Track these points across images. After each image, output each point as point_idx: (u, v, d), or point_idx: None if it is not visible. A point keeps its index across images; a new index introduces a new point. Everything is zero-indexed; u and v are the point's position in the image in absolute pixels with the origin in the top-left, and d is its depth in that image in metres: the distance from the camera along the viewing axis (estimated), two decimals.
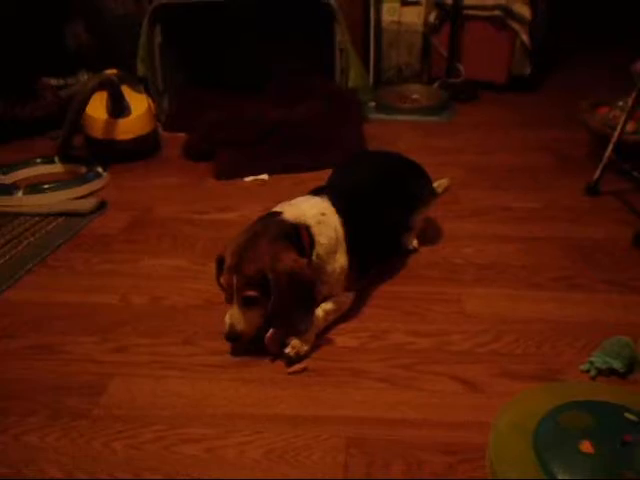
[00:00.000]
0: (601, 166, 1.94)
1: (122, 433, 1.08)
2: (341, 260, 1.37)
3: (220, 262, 1.28)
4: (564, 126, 2.54)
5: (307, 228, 1.31)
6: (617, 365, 1.17)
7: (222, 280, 1.26)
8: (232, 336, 1.25)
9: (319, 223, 1.34)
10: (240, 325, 1.24)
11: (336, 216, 1.37)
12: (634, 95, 1.84)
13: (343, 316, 1.38)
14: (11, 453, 1.04)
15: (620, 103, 2.10)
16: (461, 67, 3.13)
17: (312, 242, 1.31)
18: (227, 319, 1.25)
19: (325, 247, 1.33)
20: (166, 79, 2.72)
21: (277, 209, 1.36)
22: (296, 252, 1.25)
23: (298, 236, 1.29)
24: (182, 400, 1.15)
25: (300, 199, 1.42)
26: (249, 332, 1.26)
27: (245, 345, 1.27)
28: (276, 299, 1.20)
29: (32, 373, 1.23)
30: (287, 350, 1.24)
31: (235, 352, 1.27)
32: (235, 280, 1.21)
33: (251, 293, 1.21)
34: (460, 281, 1.52)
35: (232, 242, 1.26)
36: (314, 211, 1.35)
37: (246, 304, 1.23)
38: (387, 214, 1.53)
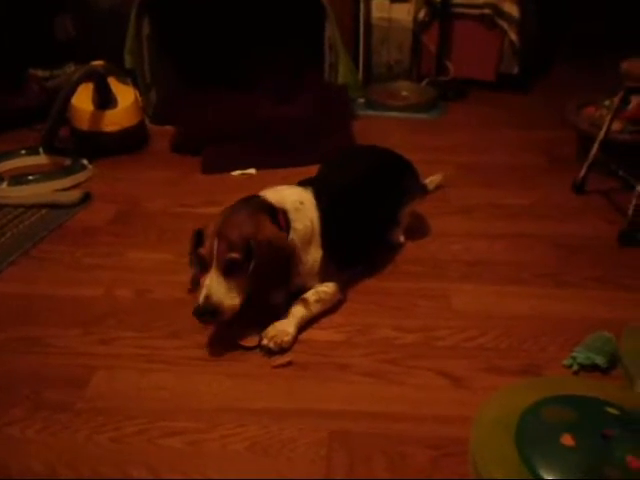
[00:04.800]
0: (586, 165, 1.95)
1: (105, 426, 1.07)
2: (315, 254, 1.37)
3: (198, 235, 1.26)
4: (553, 126, 2.55)
5: (284, 212, 1.32)
6: (599, 360, 1.19)
7: (202, 250, 1.22)
8: (208, 308, 1.17)
9: (296, 210, 1.35)
10: (218, 294, 1.17)
11: (314, 209, 1.38)
12: (621, 94, 1.86)
13: (328, 311, 1.38)
14: None
15: (607, 102, 2.12)
16: (450, 65, 3.13)
17: (288, 227, 1.32)
18: (202, 292, 1.18)
19: (300, 234, 1.33)
20: (154, 72, 2.70)
21: (259, 193, 1.37)
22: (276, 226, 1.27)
23: (276, 218, 1.30)
24: (166, 393, 1.15)
25: (282, 186, 1.43)
26: (227, 306, 1.19)
27: (223, 325, 1.24)
28: (257, 266, 1.20)
29: (14, 365, 1.22)
30: (264, 342, 1.24)
31: (221, 346, 1.26)
32: (217, 244, 1.19)
33: (235, 255, 1.19)
34: (447, 277, 1.52)
35: (214, 218, 1.26)
36: (293, 198, 1.37)
37: (227, 270, 1.19)
38: (373, 208, 1.54)
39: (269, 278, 1.24)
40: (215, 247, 1.19)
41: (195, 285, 1.28)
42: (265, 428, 1.07)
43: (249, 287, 1.22)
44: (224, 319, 1.21)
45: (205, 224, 1.26)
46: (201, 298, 1.18)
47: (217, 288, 1.19)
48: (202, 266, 1.24)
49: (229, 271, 1.20)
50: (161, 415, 1.09)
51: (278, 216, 1.31)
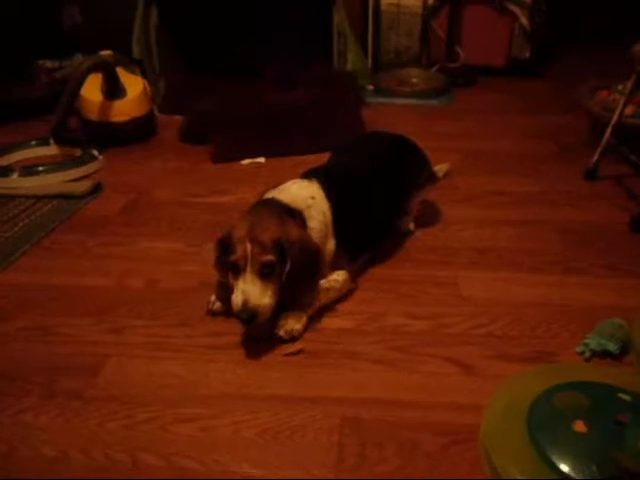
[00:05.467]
0: (599, 150, 1.92)
1: (117, 413, 1.08)
2: (330, 244, 1.37)
3: (222, 245, 1.24)
4: (564, 112, 2.52)
5: (299, 213, 1.31)
6: (611, 347, 1.18)
7: (234, 256, 1.19)
8: (248, 313, 1.15)
9: (309, 207, 1.34)
10: (255, 298, 1.16)
11: (325, 200, 1.37)
12: (633, 78, 1.83)
13: (339, 299, 1.38)
14: (6, 431, 1.04)
15: (620, 86, 2.09)
16: (460, 51, 3.10)
17: (305, 227, 1.31)
18: (238, 296, 1.17)
19: (317, 232, 1.33)
20: (162, 61, 2.69)
21: (268, 196, 1.35)
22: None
23: (295, 219, 1.30)
24: (177, 381, 1.15)
25: (288, 183, 1.41)
26: (264, 309, 1.18)
27: (259, 327, 1.22)
28: (292, 266, 1.20)
29: (27, 354, 1.23)
30: (275, 330, 1.24)
31: (231, 334, 1.27)
32: (250, 248, 1.17)
33: (270, 257, 1.18)
34: (456, 264, 1.52)
35: (236, 224, 1.24)
36: (303, 194, 1.36)
37: (262, 272, 1.18)
38: (383, 196, 1.53)
39: (302, 277, 1.24)
40: (249, 251, 1.18)
41: (222, 292, 1.28)
42: (276, 415, 1.07)
43: (282, 288, 1.22)
44: (261, 322, 1.20)
45: (227, 232, 1.24)
46: (239, 303, 1.16)
47: (254, 290, 1.17)
48: (234, 272, 1.21)
49: (264, 274, 1.19)
50: (173, 402, 1.10)
51: (296, 217, 1.30)
